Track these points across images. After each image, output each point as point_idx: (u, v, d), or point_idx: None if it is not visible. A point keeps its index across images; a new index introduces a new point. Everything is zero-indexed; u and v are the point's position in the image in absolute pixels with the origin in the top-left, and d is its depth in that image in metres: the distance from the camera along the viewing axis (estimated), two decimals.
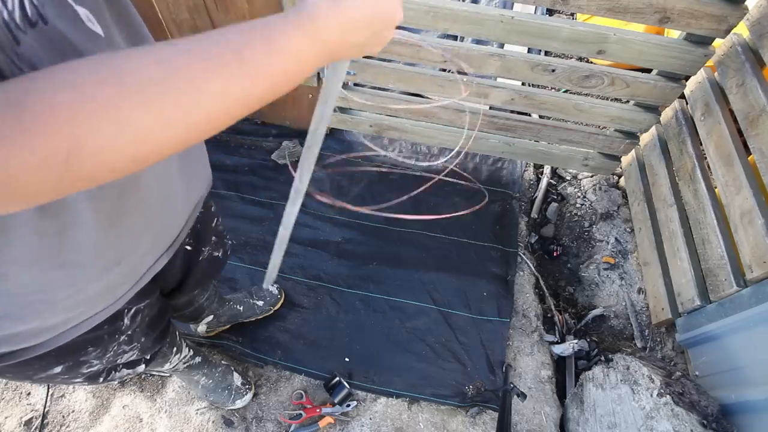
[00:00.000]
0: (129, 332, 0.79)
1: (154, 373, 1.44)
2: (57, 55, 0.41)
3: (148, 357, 0.98)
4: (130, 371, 0.93)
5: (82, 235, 0.54)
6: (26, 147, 0.30)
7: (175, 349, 1.13)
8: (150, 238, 0.69)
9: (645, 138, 1.72)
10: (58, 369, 0.71)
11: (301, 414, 1.37)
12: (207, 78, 0.35)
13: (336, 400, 1.38)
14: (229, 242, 1.09)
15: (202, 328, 1.41)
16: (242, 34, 0.38)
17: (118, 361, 0.83)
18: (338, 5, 0.40)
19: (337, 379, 1.41)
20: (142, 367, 0.97)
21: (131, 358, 0.86)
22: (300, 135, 1.94)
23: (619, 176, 1.91)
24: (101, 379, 0.85)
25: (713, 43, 1.31)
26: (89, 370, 0.77)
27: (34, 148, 0.30)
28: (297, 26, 0.39)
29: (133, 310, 0.77)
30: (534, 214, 1.90)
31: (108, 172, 0.35)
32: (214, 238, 0.98)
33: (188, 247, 0.90)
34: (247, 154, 1.93)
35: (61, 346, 0.65)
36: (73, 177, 0.33)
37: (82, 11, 0.45)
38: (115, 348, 0.78)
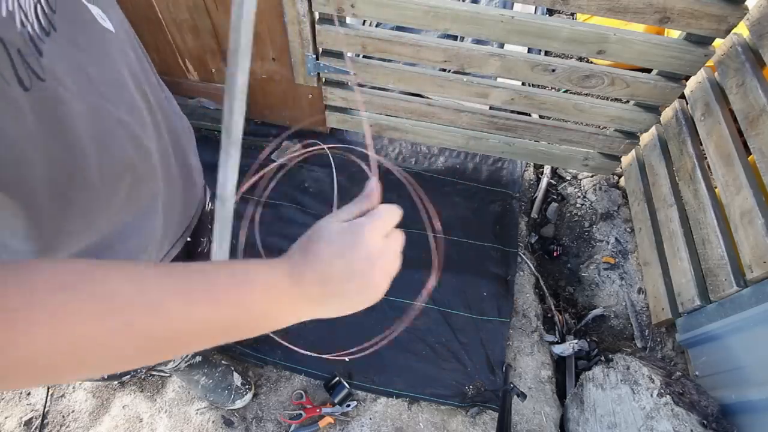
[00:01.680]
0: None
1: (154, 373, 1.44)
2: (70, 62, 0.42)
3: None
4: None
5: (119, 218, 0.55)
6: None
7: None
8: (164, 225, 0.70)
9: (645, 138, 1.72)
10: None
11: (301, 414, 1.37)
12: (169, 309, 0.34)
13: (336, 400, 1.38)
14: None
15: None
16: (222, 272, 0.37)
17: None
18: (308, 252, 0.40)
19: (337, 379, 1.41)
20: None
21: None
22: (300, 135, 1.94)
23: (619, 176, 1.91)
24: (106, 375, 0.85)
25: (713, 43, 1.31)
26: None
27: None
28: (272, 272, 0.39)
29: None
30: (534, 214, 1.90)
31: (24, 373, 0.31)
32: (210, 227, 0.99)
33: (188, 239, 0.91)
34: (247, 154, 1.93)
35: None
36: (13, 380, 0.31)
37: (95, 10, 0.46)
38: None
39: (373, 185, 0.48)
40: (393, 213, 0.46)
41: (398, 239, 0.45)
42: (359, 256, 0.41)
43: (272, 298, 0.39)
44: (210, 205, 1.04)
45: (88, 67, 0.44)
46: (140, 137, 0.55)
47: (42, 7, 0.39)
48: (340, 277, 0.41)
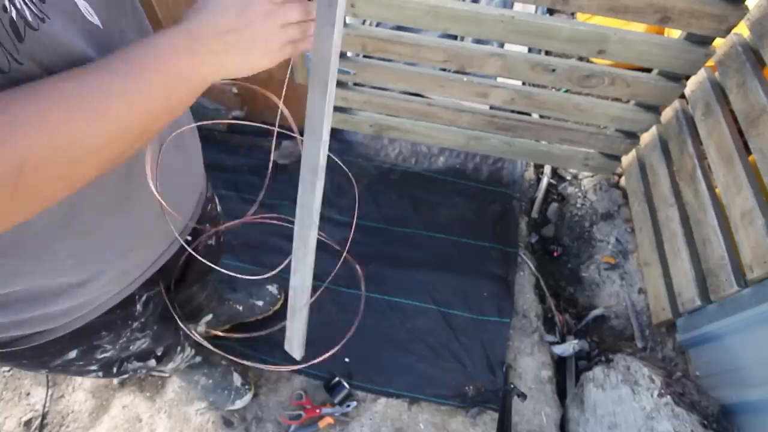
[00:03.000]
0: (142, 319, 0.80)
1: (154, 373, 1.44)
2: (57, 52, 0.43)
3: (160, 353, 0.99)
4: (141, 364, 0.94)
5: (92, 220, 0.56)
6: None
7: (179, 347, 1.13)
8: (160, 225, 0.70)
9: (645, 138, 1.72)
10: (73, 354, 0.72)
11: (300, 414, 1.37)
12: (111, 99, 0.40)
13: (336, 401, 1.38)
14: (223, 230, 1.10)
15: (201, 327, 1.41)
16: (138, 51, 0.42)
17: (131, 348, 0.85)
18: (202, 15, 0.45)
19: (337, 379, 1.41)
20: (153, 363, 0.98)
21: (143, 346, 0.88)
22: (300, 135, 1.93)
23: (620, 176, 1.91)
24: (115, 370, 0.86)
25: (714, 43, 1.31)
26: (103, 355, 0.78)
27: None
28: (170, 33, 0.44)
29: (144, 297, 0.79)
30: (534, 214, 1.90)
31: (55, 182, 0.39)
32: (208, 225, 0.99)
33: (188, 237, 0.91)
34: (247, 154, 1.93)
35: (75, 329, 0.66)
36: (25, 194, 0.37)
37: (81, 3, 0.46)
38: (128, 334, 0.80)
39: None
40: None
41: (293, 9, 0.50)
42: (256, 5, 0.46)
43: (176, 53, 0.44)
44: (219, 208, 1.04)
45: (75, 60, 0.45)
46: None
47: None
48: (232, 24, 0.46)
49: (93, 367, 0.80)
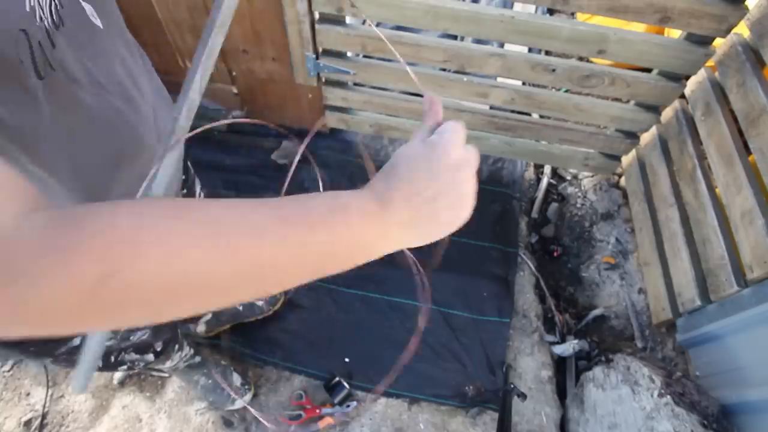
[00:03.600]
0: None
1: (153, 373, 1.44)
2: (75, 55, 0.46)
3: (159, 348, 0.99)
4: (138, 357, 0.94)
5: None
6: (65, 265, 0.28)
7: (177, 345, 1.14)
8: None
9: (645, 138, 1.72)
10: (77, 341, 0.73)
11: (300, 414, 1.37)
12: (269, 231, 0.34)
13: (336, 401, 1.38)
14: None
15: (201, 327, 1.41)
16: (314, 201, 0.37)
17: (131, 339, 0.86)
18: (391, 175, 0.40)
19: (337, 379, 1.41)
20: (150, 357, 0.98)
21: (143, 338, 0.89)
22: (300, 135, 1.94)
23: (620, 176, 1.91)
24: (112, 359, 0.87)
25: (714, 43, 1.31)
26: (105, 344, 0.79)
27: (72, 266, 0.28)
28: (361, 199, 0.38)
29: None
30: (534, 214, 1.90)
31: (136, 304, 0.32)
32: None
33: None
34: (247, 154, 1.93)
35: None
36: (99, 304, 0.30)
37: (88, 8, 0.49)
38: None
39: (430, 98, 0.46)
40: (461, 125, 0.43)
41: (473, 151, 0.42)
42: (442, 170, 0.40)
43: (365, 222, 0.37)
44: (201, 195, 1.04)
45: (86, 61, 0.48)
46: (135, 125, 0.58)
47: (55, 2, 0.43)
48: (427, 193, 0.40)
49: None
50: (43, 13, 0.40)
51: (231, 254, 0.32)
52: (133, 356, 0.93)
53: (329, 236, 0.36)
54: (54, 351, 0.73)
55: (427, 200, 0.40)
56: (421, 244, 0.42)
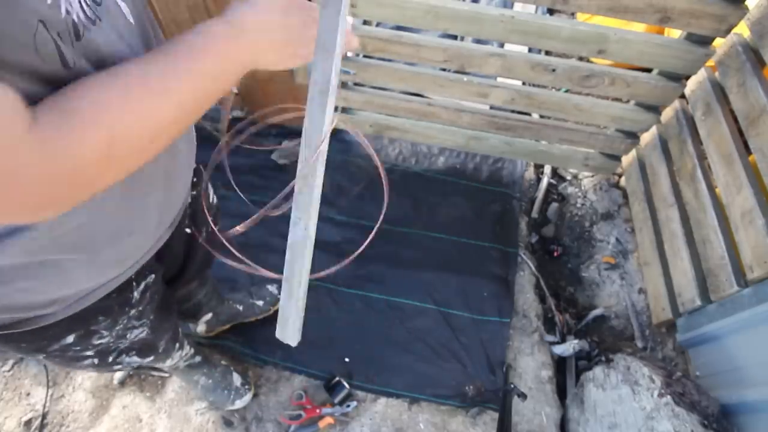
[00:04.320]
0: (139, 307, 0.81)
1: (154, 372, 1.44)
2: (110, 49, 0.48)
3: (160, 348, 0.99)
4: (140, 360, 0.94)
5: (97, 205, 0.57)
6: (81, 140, 0.39)
7: (177, 344, 1.14)
8: (158, 211, 0.71)
9: (645, 138, 1.72)
10: (70, 338, 0.73)
11: (301, 414, 1.37)
12: (178, 80, 0.46)
13: (336, 401, 1.38)
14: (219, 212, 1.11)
15: (201, 327, 1.41)
16: (185, 41, 0.48)
17: (128, 337, 0.85)
18: (253, 10, 0.52)
19: (337, 379, 1.41)
20: (150, 358, 0.98)
21: (141, 336, 0.88)
22: (300, 135, 1.93)
23: (620, 176, 1.91)
24: (110, 359, 0.87)
25: (714, 43, 1.31)
26: (100, 342, 0.79)
27: (85, 142, 0.39)
28: (222, 25, 0.50)
29: (142, 285, 0.79)
30: (534, 214, 1.90)
31: (139, 153, 0.46)
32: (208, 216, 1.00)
33: (188, 230, 0.92)
34: (247, 154, 1.93)
35: (73, 314, 0.67)
36: (116, 163, 0.43)
37: (124, 8, 0.51)
38: (125, 321, 0.80)
39: None
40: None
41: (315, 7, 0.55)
42: (295, 11, 0.54)
43: (229, 42, 0.50)
44: (214, 198, 1.05)
45: (117, 60, 0.49)
46: None
47: (86, 1, 0.44)
48: (278, 26, 0.53)
49: (89, 353, 0.80)
50: (71, 6, 0.41)
51: (175, 97, 0.46)
52: (135, 359, 0.93)
53: (211, 57, 0.49)
54: (47, 348, 0.72)
55: (276, 29, 0.53)
56: (271, 67, 0.56)
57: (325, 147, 0.56)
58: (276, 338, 0.62)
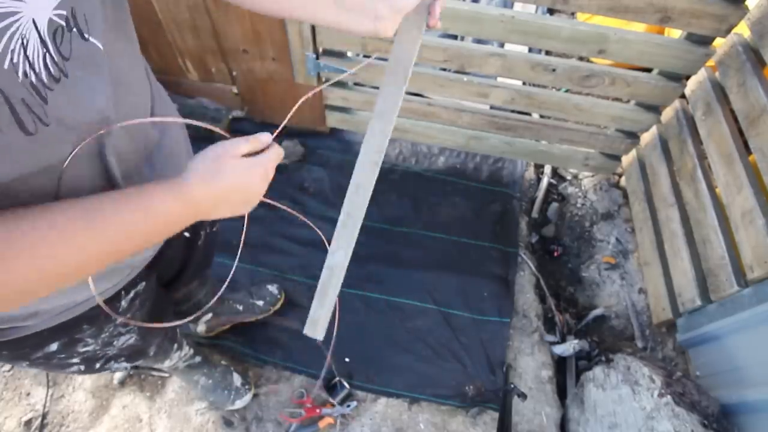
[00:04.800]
0: (127, 315, 0.79)
1: (154, 372, 1.44)
2: (78, 104, 0.46)
3: (151, 352, 0.97)
4: (126, 363, 0.92)
5: None
6: (8, 269, 0.40)
7: (176, 345, 1.13)
8: None
9: (646, 138, 1.72)
10: (54, 347, 0.71)
11: (301, 413, 1.37)
12: (87, 238, 0.45)
13: (336, 401, 1.38)
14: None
15: (201, 327, 1.41)
16: (119, 202, 0.48)
17: (115, 344, 0.83)
18: (211, 182, 0.52)
19: (337, 379, 1.41)
20: (140, 361, 0.96)
21: (129, 342, 0.86)
22: (300, 135, 1.94)
23: (620, 176, 1.91)
24: (98, 365, 0.84)
25: (714, 43, 1.31)
26: (85, 349, 0.77)
27: (13, 270, 0.40)
28: (171, 193, 0.50)
29: (131, 294, 0.78)
30: (534, 214, 1.90)
31: (67, 282, 0.46)
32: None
33: (186, 234, 0.91)
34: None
35: (56, 324, 0.66)
36: (42, 288, 0.44)
37: (103, 46, 0.49)
38: (111, 329, 0.78)
39: (267, 137, 0.59)
40: (279, 157, 0.60)
41: (273, 164, 0.59)
42: (252, 193, 0.57)
43: (169, 218, 0.51)
44: None
45: (98, 105, 0.48)
46: (131, 161, 0.59)
47: (51, 56, 0.42)
48: (231, 203, 0.56)
49: (75, 360, 0.79)
50: (33, 68, 0.40)
51: (106, 244, 0.46)
52: (123, 364, 0.90)
53: (140, 220, 0.49)
54: (29, 356, 0.70)
55: (228, 203, 0.56)
56: (225, 216, 0.57)
57: (366, 200, 0.65)
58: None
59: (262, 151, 0.58)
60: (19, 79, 0.39)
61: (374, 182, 0.65)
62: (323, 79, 1.66)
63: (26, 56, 0.39)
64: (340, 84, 1.68)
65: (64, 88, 0.44)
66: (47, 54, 0.42)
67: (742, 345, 1.21)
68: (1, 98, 0.38)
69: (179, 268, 0.99)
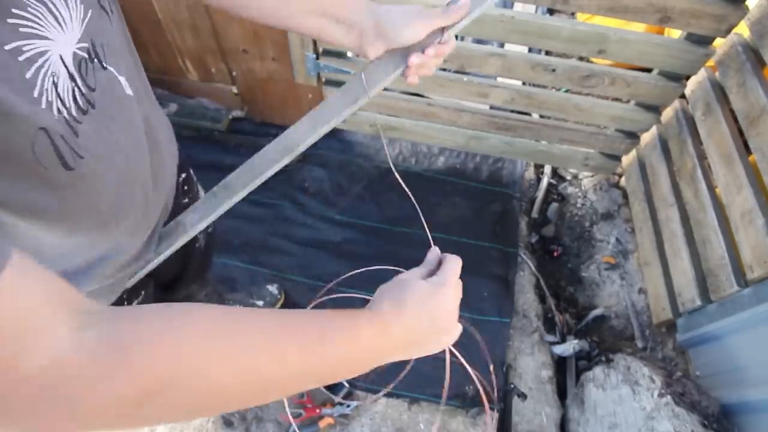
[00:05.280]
0: None
1: None
2: (106, 135, 0.47)
3: None
4: None
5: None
6: (113, 386, 0.33)
7: None
8: (141, 235, 0.69)
9: (645, 138, 1.72)
10: None
11: (301, 413, 1.37)
12: (291, 351, 0.41)
13: (336, 399, 1.38)
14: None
15: None
16: (330, 321, 0.45)
17: None
18: (400, 307, 0.48)
19: None
20: None
21: None
22: None
23: (620, 176, 1.91)
24: None
25: (714, 43, 1.31)
26: None
27: (120, 387, 0.33)
28: (372, 327, 0.47)
29: (139, 298, 0.79)
30: (534, 214, 1.90)
31: (173, 414, 0.38)
32: None
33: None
34: (246, 153, 1.91)
35: None
36: (144, 413, 0.35)
37: (123, 80, 0.50)
38: None
39: (436, 253, 0.55)
40: (458, 267, 0.53)
41: (460, 287, 0.53)
42: (443, 316, 0.50)
43: (370, 353, 0.47)
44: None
45: (119, 136, 0.49)
46: (147, 185, 0.60)
47: (79, 89, 0.43)
48: (425, 331, 0.49)
49: None
50: (64, 104, 0.41)
51: (253, 374, 0.39)
52: None
53: (345, 353, 0.45)
54: None
55: (423, 335, 0.50)
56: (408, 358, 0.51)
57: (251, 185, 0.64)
58: None
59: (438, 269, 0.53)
60: (55, 116, 0.40)
61: (269, 175, 0.63)
62: (323, 80, 1.66)
63: (57, 93, 0.40)
64: (341, 84, 1.68)
65: (91, 118, 0.44)
66: (76, 88, 0.42)
67: (742, 345, 1.21)
68: (46, 136, 0.38)
69: (177, 272, 0.99)
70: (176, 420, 0.40)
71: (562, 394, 1.51)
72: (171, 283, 1.01)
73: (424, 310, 0.48)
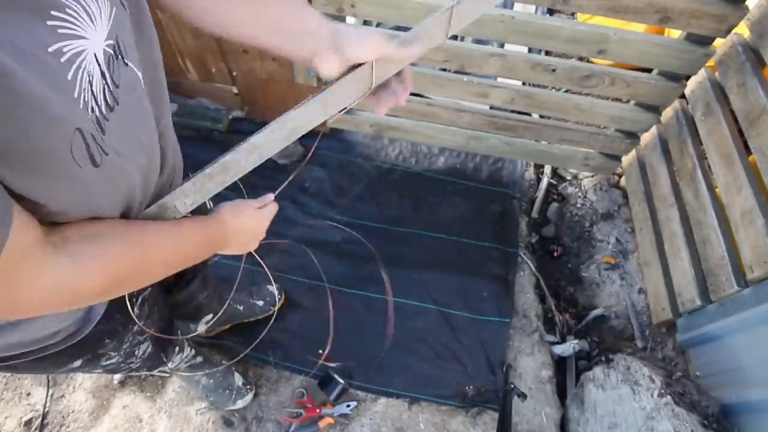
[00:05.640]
0: (141, 322, 0.81)
1: (154, 372, 1.44)
2: (127, 132, 0.49)
3: (164, 356, 1.01)
4: (147, 372, 0.97)
5: None
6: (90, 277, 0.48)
7: (177, 348, 1.13)
8: None
9: (645, 138, 1.72)
10: (77, 363, 0.74)
11: (301, 413, 1.37)
12: (170, 252, 0.62)
13: (332, 397, 1.37)
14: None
15: (201, 327, 1.40)
16: (192, 223, 0.66)
17: (136, 353, 0.87)
18: (236, 217, 0.72)
19: (328, 373, 1.40)
20: (158, 369, 1.00)
21: (149, 351, 0.90)
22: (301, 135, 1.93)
23: (620, 176, 1.91)
24: (121, 374, 0.89)
25: (714, 43, 1.31)
26: (108, 362, 0.81)
27: (93, 280, 0.49)
28: (217, 223, 0.70)
29: (139, 300, 0.80)
30: (534, 214, 1.90)
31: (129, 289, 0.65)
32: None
33: None
34: None
35: (78, 341, 0.68)
36: (119, 290, 0.57)
37: (140, 74, 0.52)
38: (131, 339, 0.81)
39: (270, 197, 0.81)
40: (275, 210, 0.81)
41: (271, 217, 0.80)
42: (258, 230, 0.79)
43: (215, 241, 0.71)
44: (210, 204, 1.05)
45: (138, 131, 0.52)
46: (153, 175, 0.63)
47: (108, 86, 0.44)
48: (246, 235, 0.77)
49: (99, 371, 0.83)
50: (96, 103, 0.41)
51: (144, 260, 0.57)
52: (144, 373, 0.95)
53: (201, 240, 0.67)
54: (54, 371, 0.76)
55: (241, 242, 0.77)
56: (233, 253, 0.78)
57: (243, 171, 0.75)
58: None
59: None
60: (89, 116, 0.41)
61: (251, 168, 0.72)
62: (323, 80, 1.66)
63: (92, 93, 0.41)
64: None
65: (116, 115, 0.45)
66: (105, 86, 0.43)
67: (742, 345, 1.21)
68: (80, 136, 0.39)
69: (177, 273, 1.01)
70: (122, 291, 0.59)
71: (562, 394, 1.51)
72: (170, 283, 1.02)
73: (249, 222, 0.74)
